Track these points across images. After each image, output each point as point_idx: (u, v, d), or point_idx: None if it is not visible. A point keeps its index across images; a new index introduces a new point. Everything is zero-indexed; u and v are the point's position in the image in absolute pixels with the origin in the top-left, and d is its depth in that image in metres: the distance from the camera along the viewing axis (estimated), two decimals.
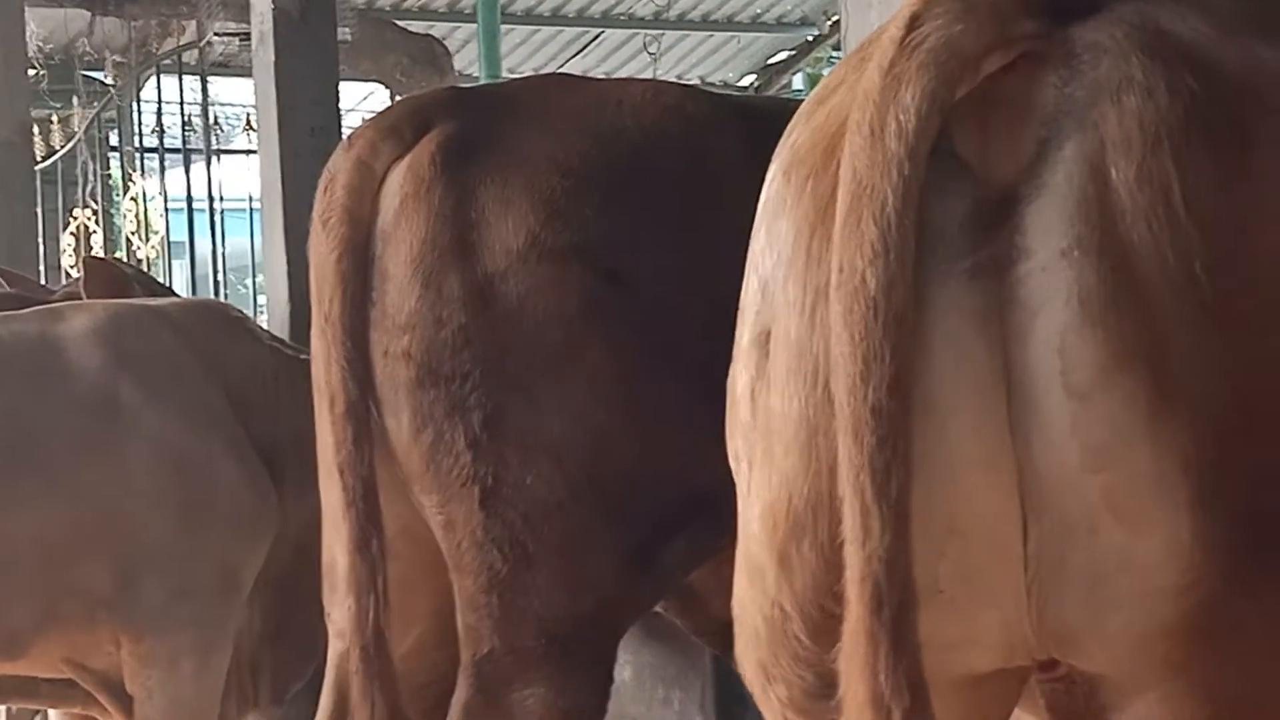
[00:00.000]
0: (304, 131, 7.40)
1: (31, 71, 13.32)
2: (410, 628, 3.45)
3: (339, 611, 3.30)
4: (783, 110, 3.47)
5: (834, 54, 13.60)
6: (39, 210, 12.99)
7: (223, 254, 14.25)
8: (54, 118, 15.35)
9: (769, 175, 2.25)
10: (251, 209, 13.69)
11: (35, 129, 13.37)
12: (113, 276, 6.60)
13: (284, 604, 5.24)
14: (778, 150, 2.26)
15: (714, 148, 3.33)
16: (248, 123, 14.06)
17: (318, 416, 3.30)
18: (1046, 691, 2.28)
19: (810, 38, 15.39)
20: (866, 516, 1.97)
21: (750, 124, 3.36)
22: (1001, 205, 2.02)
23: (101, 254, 12.98)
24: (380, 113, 3.40)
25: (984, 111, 2.06)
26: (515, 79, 3.54)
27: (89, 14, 14.48)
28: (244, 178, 13.66)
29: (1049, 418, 1.99)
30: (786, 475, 2.12)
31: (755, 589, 2.21)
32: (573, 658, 3.22)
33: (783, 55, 16.21)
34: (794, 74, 15.11)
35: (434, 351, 3.18)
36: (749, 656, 2.26)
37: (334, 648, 3.38)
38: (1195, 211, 1.96)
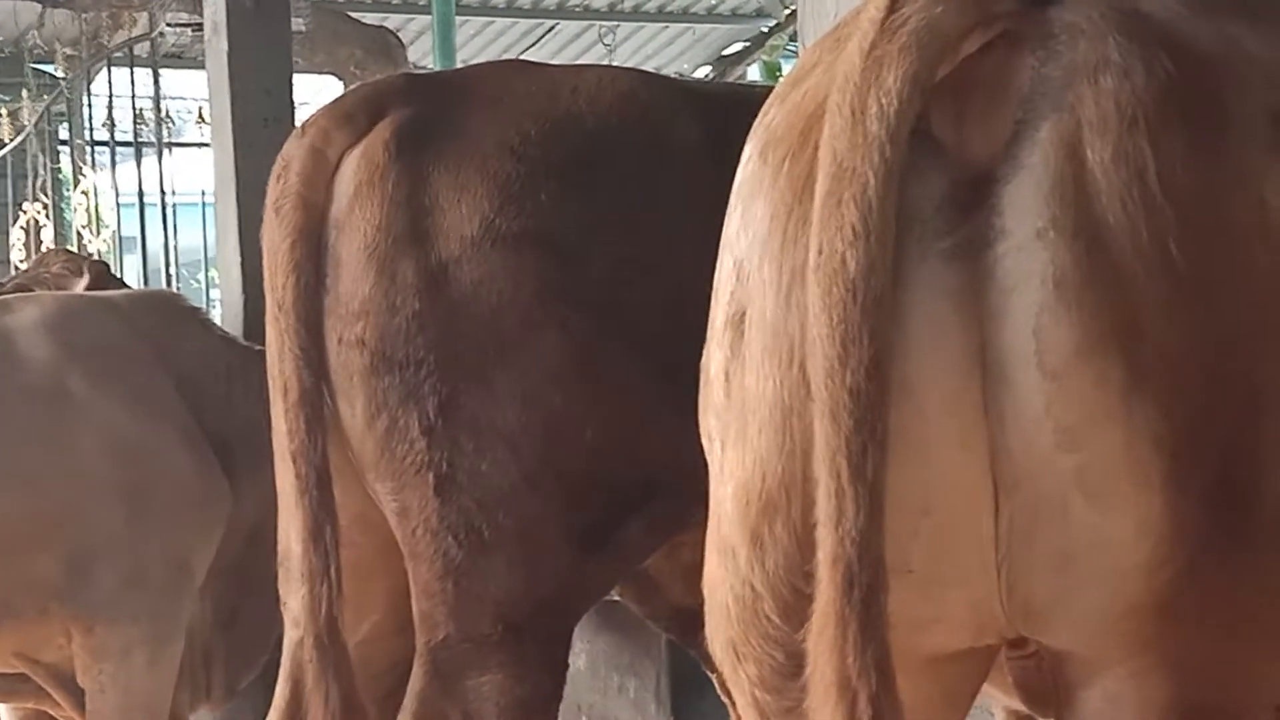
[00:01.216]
0: (258, 122, 7.37)
1: None
2: (365, 615, 3.44)
3: (294, 600, 3.29)
4: (738, 96, 3.49)
5: (790, 45, 13.59)
6: None
7: (174, 248, 14.18)
8: (3, 111, 15.25)
9: (744, 156, 2.24)
10: (204, 204, 13.62)
11: None
12: (104, 277, 6.55)
13: (236, 594, 5.22)
14: (753, 131, 2.25)
15: (669, 133, 3.32)
16: (200, 115, 13.98)
17: (272, 405, 3.28)
18: (1016, 669, 2.29)
19: (765, 29, 15.40)
20: (841, 498, 1.96)
21: (705, 109, 3.36)
22: (978, 186, 2.02)
23: (51, 248, 12.90)
24: (334, 100, 3.37)
25: (961, 92, 2.06)
26: (468, 66, 3.53)
27: (39, 6, 14.38)
28: (196, 172, 13.58)
29: (1023, 397, 1.99)
30: (760, 455, 2.11)
31: (726, 568, 2.20)
32: (528, 644, 3.21)
33: (738, 46, 16.20)
34: (749, 65, 15.09)
35: (388, 338, 3.16)
36: (719, 635, 2.26)
37: (290, 636, 3.36)
38: (1170, 191, 1.96)
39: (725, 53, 16.53)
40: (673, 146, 3.30)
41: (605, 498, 3.22)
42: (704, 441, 2.29)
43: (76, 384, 4.87)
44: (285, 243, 3.21)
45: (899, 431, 1.98)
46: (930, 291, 2.02)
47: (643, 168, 3.27)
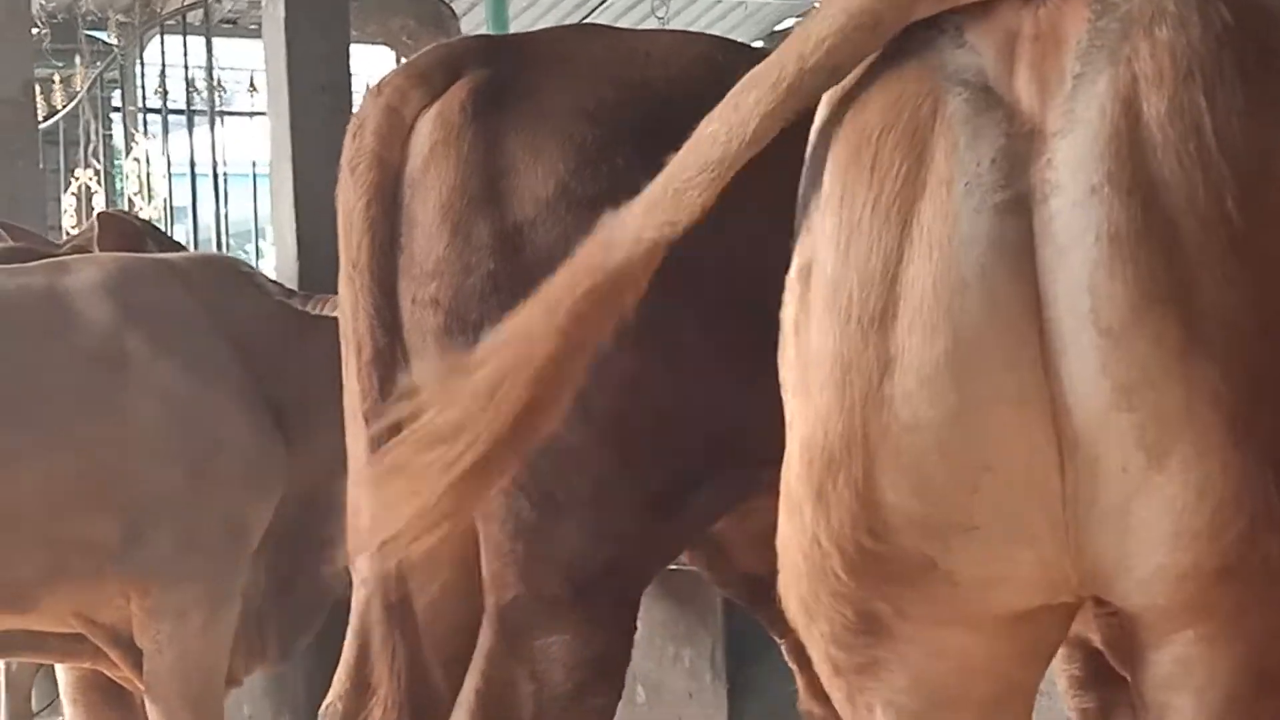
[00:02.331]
0: (314, 89, 7.37)
1: (34, 30, 13.26)
2: (435, 575, 3.43)
3: (363, 559, 3.29)
4: None
5: None
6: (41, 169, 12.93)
7: (225, 217, 14.19)
8: (56, 77, 15.29)
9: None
10: (255, 175, 13.64)
11: (37, 88, 13.31)
12: (126, 231, 6.58)
13: (291, 559, 5.24)
14: None
15: None
16: (251, 84, 14.00)
17: (344, 364, 3.28)
18: (1102, 625, 2.27)
19: (818, 3, 15.35)
20: None
21: None
22: (1034, 140, 2.02)
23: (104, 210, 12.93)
24: (410, 60, 3.38)
25: (1018, 45, 2.06)
26: (543, 29, 3.52)
27: None
28: (247, 143, 13.61)
29: (1079, 356, 1.99)
30: (821, 411, 2.10)
31: (794, 525, 2.19)
32: (597, 606, 3.21)
33: (790, 22, 16.13)
34: None
35: (461, 299, 3.16)
36: (791, 592, 2.25)
37: (358, 596, 3.37)
38: (1226, 146, 1.95)
39: (777, 28, 16.48)
40: None
41: (676, 462, 3.22)
42: (783, 394, 2.28)
43: (135, 346, 4.89)
44: (360, 202, 3.22)
45: (957, 385, 1.99)
46: (987, 245, 2.01)
47: None
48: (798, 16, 15.99)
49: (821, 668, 2.28)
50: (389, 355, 3.20)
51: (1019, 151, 2.02)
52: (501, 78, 3.25)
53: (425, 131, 3.22)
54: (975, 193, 2.01)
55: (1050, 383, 2.00)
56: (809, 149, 2.23)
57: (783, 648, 3.78)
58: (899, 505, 2.06)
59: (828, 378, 2.09)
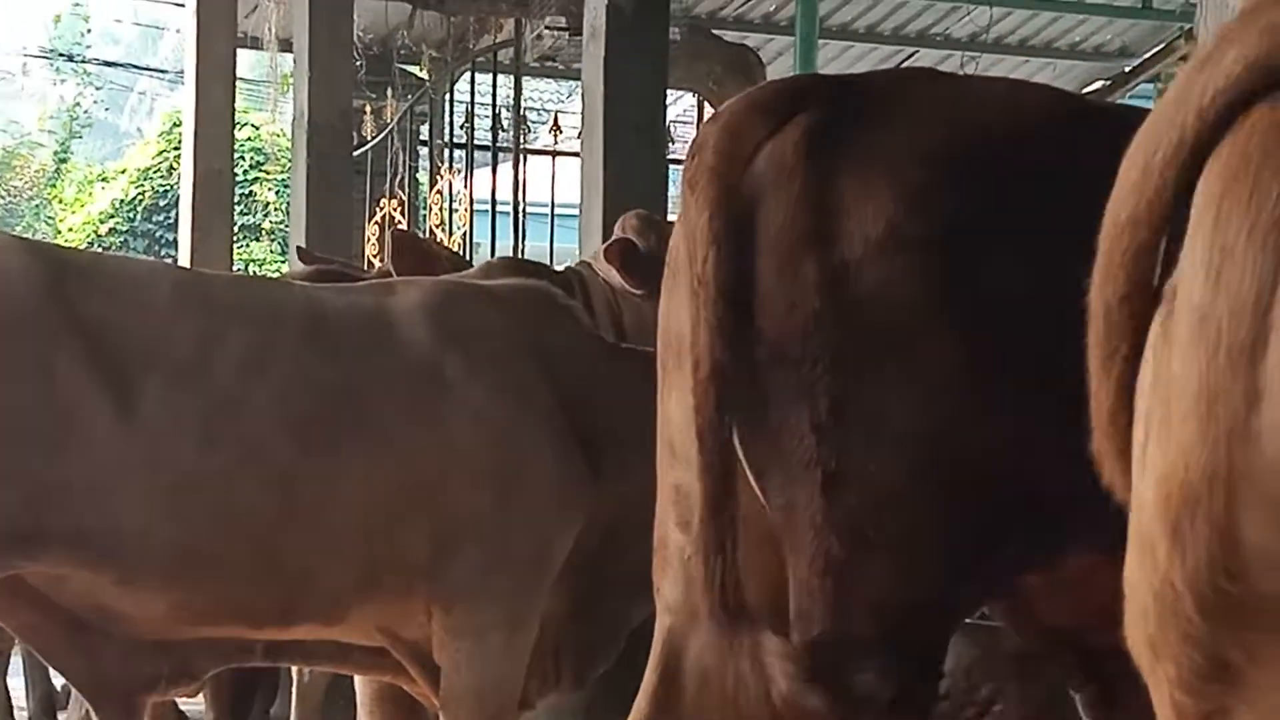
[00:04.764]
0: (629, 128, 7.51)
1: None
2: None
3: (669, 586, 3.34)
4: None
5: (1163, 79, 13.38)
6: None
7: (522, 252, 14.42)
8: (368, 108, 15.68)
9: None
10: (553, 214, 13.87)
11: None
12: (420, 253, 6.75)
13: (589, 588, 5.28)
14: None
15: (1077, 147, 3.30)
16: (555, 123, 14.25)
17: (665, 382, 3.32)
18: None
19: (1127, 69, 15.23)
20: None
21: (1115, 128, 3.32)
22: None
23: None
24: (748, 91, 3.42)
25: None
26: (876, 71, 3.54)
27: (410, 7, 14.78)
28: (544, 181, 13.85)
29: None
30: (1183, 443, 2.01)
31: (1146, 563, 2.10)
32: (904, 646, 3.22)
33: (1098, 85, 15.98)
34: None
35: (785, 334, 3.19)
36: (1137, 631, 2.17)
37: (661, 623, 3.41)
38: None
39: (1085, 90, 16.34)
40: (1082, 162, 3.27)
41: (990, 509, 3.21)
42: (1135, 422, 2.18)
43: (452, 367, 4.98)
44: (703, 216, 3.22)
45: None
46: None
47: (1050, 181, 3.26)
48: (1106, 81, 15.84)
49: (1162, 711, 2.24)
50: (729, 371, 3.19)
51: None
52: (837, 117, 3.28)
53: (760, 168, 3.27)
54: None
55: None
56: None
57: (1078, 700, 3.74)
58: (1262, 546, 1.97)
59: (1191, 409, 2.00)
